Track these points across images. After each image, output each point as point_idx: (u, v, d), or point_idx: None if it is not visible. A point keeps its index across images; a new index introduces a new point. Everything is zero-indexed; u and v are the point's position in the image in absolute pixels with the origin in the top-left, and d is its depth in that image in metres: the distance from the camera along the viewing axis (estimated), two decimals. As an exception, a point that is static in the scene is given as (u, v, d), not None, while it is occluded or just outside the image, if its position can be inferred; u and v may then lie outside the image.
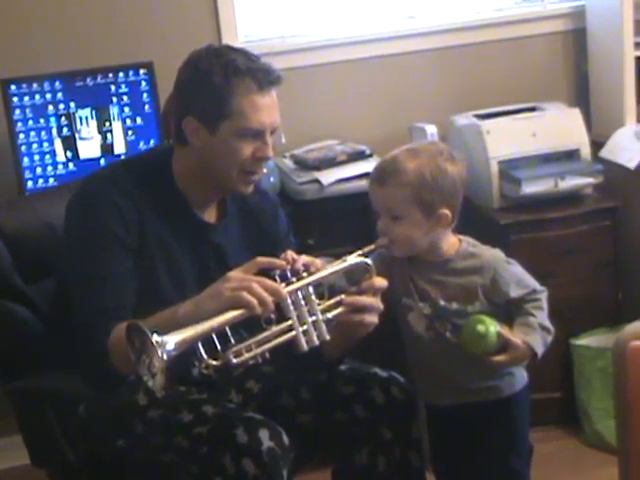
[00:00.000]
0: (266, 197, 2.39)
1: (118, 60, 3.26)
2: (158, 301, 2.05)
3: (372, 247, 2.14)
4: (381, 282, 2.09)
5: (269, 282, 1.92)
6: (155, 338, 1.77)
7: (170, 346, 1.79)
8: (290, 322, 1.96)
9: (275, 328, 1.96)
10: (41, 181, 3.20)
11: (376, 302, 2.08)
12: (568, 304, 3.23)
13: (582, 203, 3.35)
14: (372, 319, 2.07)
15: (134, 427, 2.13)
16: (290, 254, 2.02)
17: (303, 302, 1.98)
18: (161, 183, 2.19)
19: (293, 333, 1.96)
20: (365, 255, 2.10)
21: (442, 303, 2.21)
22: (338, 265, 2.07)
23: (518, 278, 2.23)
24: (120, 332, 1.91)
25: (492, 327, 2.14)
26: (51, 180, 3.20)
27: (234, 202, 2.30)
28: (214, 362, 1.89)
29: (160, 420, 2.11)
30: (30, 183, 3.18)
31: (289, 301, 1.96)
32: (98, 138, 3.24)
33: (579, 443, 3.31)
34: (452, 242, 2.26)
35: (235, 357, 1.92)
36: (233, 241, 2.28)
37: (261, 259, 1.98)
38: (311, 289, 2.00)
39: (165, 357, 1.77)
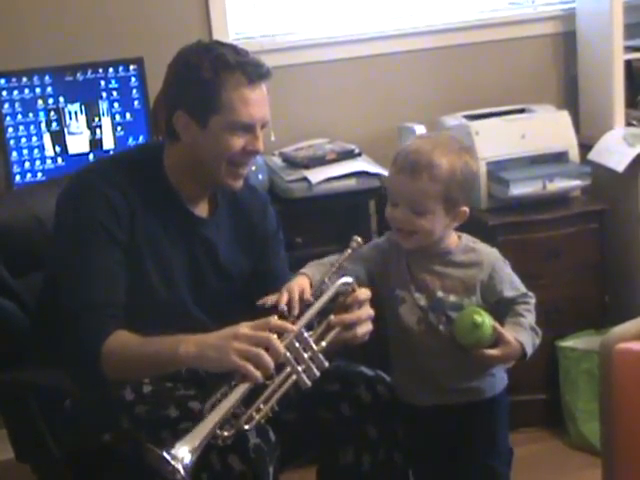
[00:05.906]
0: (256, 193, 2.40)
1: (108, 55, 3.25)
2: (147, 295, 2.04)
3: (349, 252, 2.15)
4: (365, 293, 2.10)
5: (275, 343, 1.90)
6: (171, 456, 1.78)
7: (187, 460, 1.79)
8: (289, 369, 1.96)
9: (277, 380, 1.96)
10: (29, 175, 3.19)
11: (364, 313, 2.09)
12: (554, 306, 3.24)
13: (570, 205, 3.36)
14: (364, 330, 2.09)
15: (120, 422, 2.12)
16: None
17: (297, 344, 1.98)
18: (152, 178, 2.19)
19: (294, 377, 1.96)
20: (347, 258, 2.13)
21: (439, 295, 2.21)
22: (324, 297, 2.06)
23: (512, 279, 2.25)
24: (120, 346, 1.94)
25: (488, 319, 2.15)
26: (39, 175, 3.19)
27: (225, 197, 2.30)
28: (228, 434, 1.91)
29: (146, 416, 2.11)
30: (18, 177, 3.17)
31: (288, 355, 1.96)
32: (87, 133, 3.23)
33: (563, 445, 3.32)
34: (453, 237, 2.27)
35: (246, 423, 1.93)
36: (223, 236, 2.28)
37: (275, 322, 1.96)
38: (303, 329, 2.00)
39: (188, 467, 1.79)
